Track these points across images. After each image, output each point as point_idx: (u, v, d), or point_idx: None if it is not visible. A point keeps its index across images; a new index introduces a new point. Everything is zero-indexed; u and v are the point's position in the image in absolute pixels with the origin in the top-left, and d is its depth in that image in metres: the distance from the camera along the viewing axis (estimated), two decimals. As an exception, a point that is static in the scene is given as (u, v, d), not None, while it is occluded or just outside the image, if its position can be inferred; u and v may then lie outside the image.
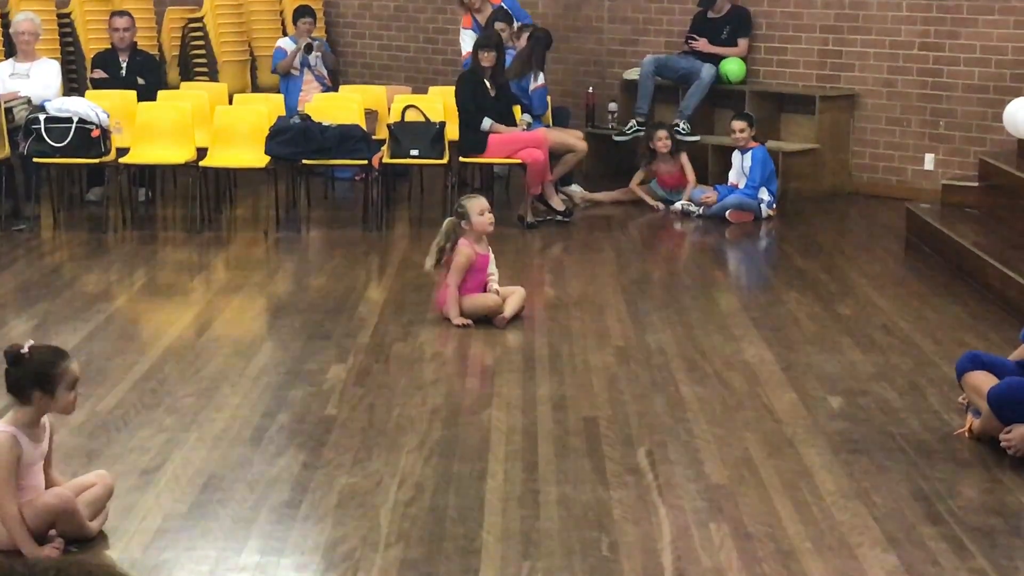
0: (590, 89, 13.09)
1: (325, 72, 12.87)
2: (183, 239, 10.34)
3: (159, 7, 13.85)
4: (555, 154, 11.05)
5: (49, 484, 4.92)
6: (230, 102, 11.74)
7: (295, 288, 8.99)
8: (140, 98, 11.22)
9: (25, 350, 4.83)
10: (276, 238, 10.36)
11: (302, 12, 12.81)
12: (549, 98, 11.85)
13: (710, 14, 12.42)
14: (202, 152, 10.73)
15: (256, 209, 11.39)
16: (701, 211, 11.09)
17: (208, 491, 5.37)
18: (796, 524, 5.08)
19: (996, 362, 6.07)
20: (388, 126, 10.98)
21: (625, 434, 6.04)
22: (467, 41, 11.97)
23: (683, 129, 12.02)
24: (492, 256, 8.04)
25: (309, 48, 12.58)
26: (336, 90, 12.64)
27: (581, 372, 6.97)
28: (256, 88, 13.67)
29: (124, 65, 11.80)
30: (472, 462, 5.68)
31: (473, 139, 10.80)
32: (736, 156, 11.24)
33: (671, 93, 12.52)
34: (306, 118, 10.75)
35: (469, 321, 7.76)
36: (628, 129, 12.40)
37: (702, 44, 12.37)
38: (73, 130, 10.36)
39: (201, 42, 13.78)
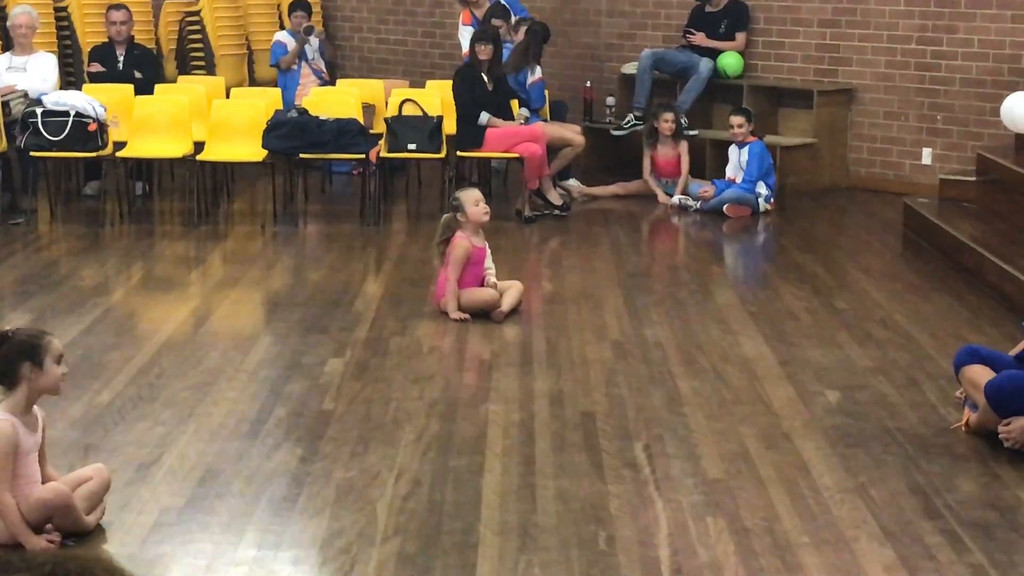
0: (588, 83, 13.08)
1: (323, 66, 12.86)
2: (180, 233, 10.34)
3: (156, 0, 13.83)
4: (553, 148, 11.05)
5: (44, 479, 4.92)
6: (227, 96, 11.73)
7: (292, 282, 8.99)
8: (137, 92, 11.21)
9: (7, 331, 4.87)
10: (273, 232, 10.36)
11: (296, 6, 12.80)
12: (547, 92, 11.84)
13: (708, 8, 12.42)
14: (199, 146, 10.73)
15: (253, 203, 11.38)
16: (699, 205, 11.09)
17: (205, 485, 5.37)
18: (793, 518, 5.08)
19: (994, 356, 6.07)
20: (386, 120, 10.97)
21: (622, 428, 6.05)
22: (466, 37, 11.95)
23: (681, 123, 12.01)
24: (489, 250, 8.04)
25: (309, 30, 12.56)
26: (333, 84, 12.64)
27: (578, 366, 6.97)
28: (253, 82, 13.67)
29: (121, 59, 11.80)
30: (469, 456, 5.68)
31: (471, 133, 10.79)
32: (733, 150, 11.24)
33: (669, 87, 12.52)
34: (303, 112, 10.74)
35: (466, 315, 7.76)
36: (626, 123, 12.40)
37: (700, 38, 12.37)
38: (70, 124, 10.35)
39: (198, 36, 13.77)
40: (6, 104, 10.63)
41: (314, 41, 12.74)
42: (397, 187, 11.78)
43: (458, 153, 11.01)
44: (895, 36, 11.79)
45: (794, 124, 12.25)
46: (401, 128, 10.81)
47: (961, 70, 11.44)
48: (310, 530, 4.99)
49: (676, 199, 11.28)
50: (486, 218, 7.97)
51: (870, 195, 11.80)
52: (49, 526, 4.85)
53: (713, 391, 6.59)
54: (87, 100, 10.51)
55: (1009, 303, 8.06)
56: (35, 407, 4.91)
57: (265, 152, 10.56)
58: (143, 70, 11.77)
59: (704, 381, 6.74)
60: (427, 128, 10.78)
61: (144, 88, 11.34)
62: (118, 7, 11.94)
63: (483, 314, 7.79)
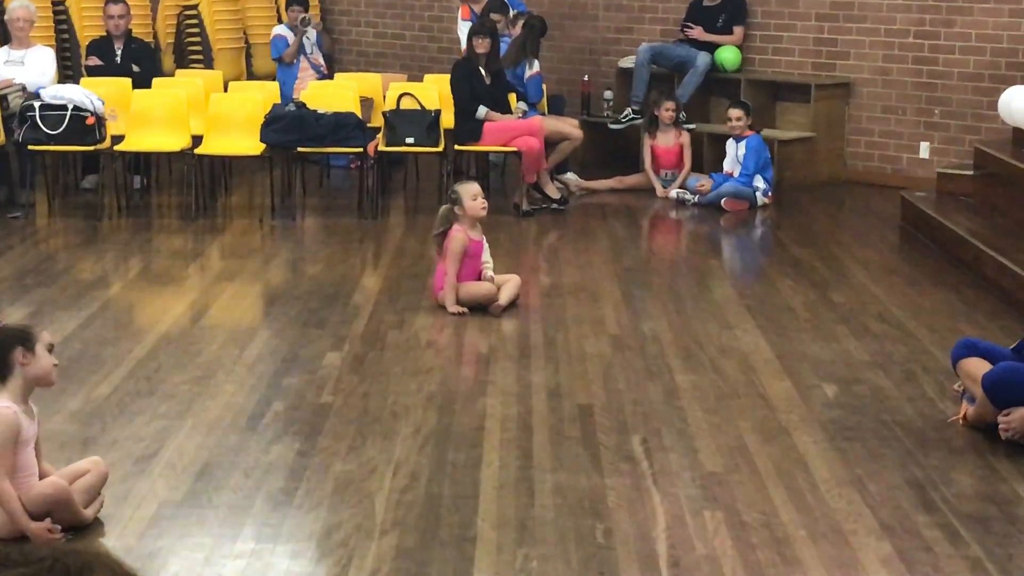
0: (585, 77, 13.08)
1: (321, 59, 12.85)
2: (178, 227, 10.34)
3: (154, -6, 13.83)
4: (550, 142, 11.05)
5: (40, 474, 4.92)
6: (225, 89, 11.72)
7: (290, 276, 8.99)
8: (135, 85, 11.20)
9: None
10: (271, 226, 10.35)
11: (293, 0, 12.76)
12: (545, 86, 11.84)
13: (706, 2, 12.41)
14: (197, 140, 10.73)
15: (251, 197, 11.38)
16: (696, 199, 11.09)
17: (203, 478, 5.37)
18: (790, 512, 5.09)
19: (991, 349, 6.08)
20: (383, 114, 10.97)
21: (620, 422, 6.05)
22: (465, 33, 11.94)
23: (680, 118, 12.01)
24: (486, 244, 8.04)
25: (306, 21, 12.55)
26: (331, 78, 12.63)
27: (576, 360, 6.97)
28: (251, 76, 13.66)
29: (119, 52, 11.78)
30: (467, 450, 5.69)
31: (468, 127, 10.79)
32: (731, 144, 11.24)
33: (666, 81, 12.51)
34: (301, 106, 10.74)
35: (464, 309, 7.76)
36: (623, 117, 12.40)
37: (698, 32, 12.36)
38: (68, 117, 10.34)
39: (196, 29, 13.75)
40: (4, 98, 10.62)
41: (312, 34, 12.72)
42: (395, 181, 11.78)
43: (456, 147, 11.01)
44: (893, 30, 11.79)
45: (792, 118, 12.25)
46: (399, 122, 10.81)
47: (959, 64, 11.44)
48: (308, 523, 4.99)
49: (674, 193, 11.28)
50: (483, 213, 7.96)
51: (868, 189, 11.80)
52: (48, 520, 4.85)
53: (710, 385, 6.59)
54: (85, 94, 10.50)
55: (1006, 296, 8.07)
56: (29, 401, 4.92)
57: (263, 146, 10.56)
58: (141, 64, 11.76)
59: (702, 375, 6.74)
60: (425, 122, 10.78)
61: (142, 82, 11.33)
62: (116, 1, 11.92)
63: (481, 308, 7.80)
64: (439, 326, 7.61)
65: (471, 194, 7.89)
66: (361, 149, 10.58)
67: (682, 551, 4.78)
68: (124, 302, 8.30)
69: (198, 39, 13.74)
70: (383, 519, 5.00)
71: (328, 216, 10.83)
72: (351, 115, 10.67)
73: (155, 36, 13.56)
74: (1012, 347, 6.13)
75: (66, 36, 13.06)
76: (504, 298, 7.82)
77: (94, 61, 11.75)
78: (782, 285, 8.59)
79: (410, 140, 10.77)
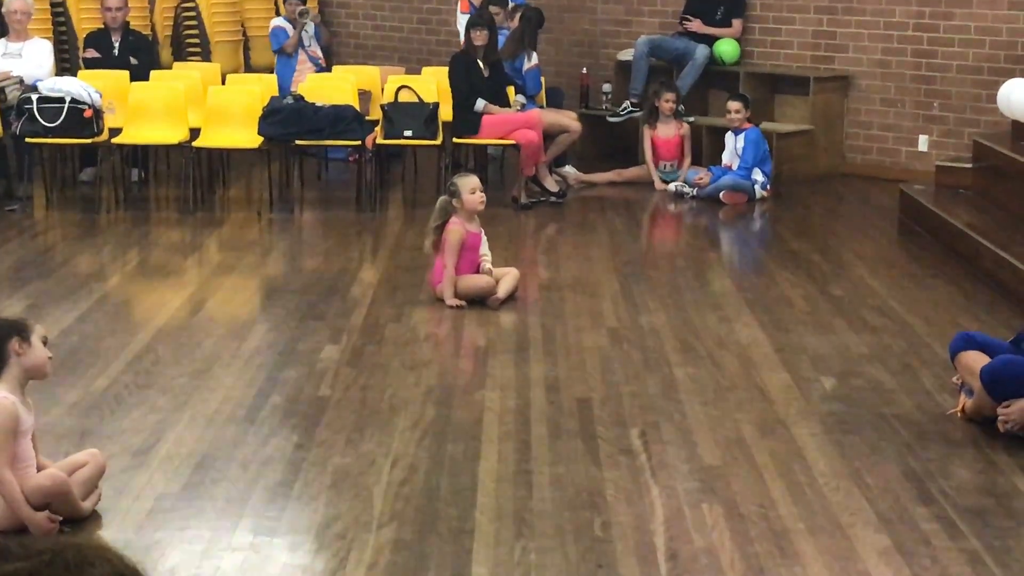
0: (584, 70, 13.07)
1: (319, 52, 12.83)
2: (176, 219, 10.33)
3: (151, -13, 13.81)
4: (549, 135, 11.04)
5: (37, 468, 4.92)
6: (223, 82, 11.71)
7: (288, 269, 8.98)
8: (133, 78, 11.19)
9: None
10: (269, 219, 10.35)
11: None
12: (543, 79, 11.83)
13: (704, -5, 12.41)
14: (195, 132, 10.71)
15: (249, 190, 11.37)
16: (695, 192, 11.08)
17: (201, 471, 5.37)
18: (789, 504, 5.09)
19: (989, 343, 6.08)
20: (382, 107, 10.96)
21: (618, 415, 6.05)
22: (464, 26, 11.94)
23: (678, 111, 12.00)
24: (484, 237, 8.03)
25: (304, 15, 12.53)
26: (329, 70, 12.61)
27: (574, 353, 6.97)
28: (249, 68, 13.65)
29: (117, 45, 11.77)
30: (465, 443, 5.69)
31: (467, 120, 10.78)
32: (730, 137, 11.23)
33: (665, 74, 12.49)
34: (299, 98, 10.72)
35: (463, 302, 7.75)
36: (622, 110, 12.38)
37: (696, 25, 12.35)
38: (66, 110, 10.33)
39: (194, 22, 13.74)
40: (1, 90, 10.61)
41: (310, 27, 12.71)
42: (393, 174, 11.77)
43: (454, 140, 11.00)
44: (891, 23, 11.78)
45: (790, 111, 12.24)
46: (397, 115, 10.80)
47: (958, 57, 11.43)
48: (306, 516, 4.99)
49: (672, 186, 11.28)
50: (481, 207, 7.96)
51: (866, 182, 11.79)
52: (46, 512, 4.86)
53: (709, 378, 6.59)
54: (82, 86, 10.49)
55: (1005, 290, 8.07)
56: (25, 393, 4.92)
57: (261, 139, 10.55)
58: (138, 56, 11.75)
59: (700, 368, 6.74)
60: (423, 115, 10.77)
61: (139, 74, 11.32)
62: (114, -7, 11.92)
63: (479, 301, 7.79)
64: (437, 319, 7.61)
65: (470, 187, 7.88)
66: (359, 142, 10.57)
67: (680, 544, 4.78)
68: (122, 295, 8.29)
69: (196, 32, 13.73)
70: (381, 512, 5.00)
71: (326, 209, 10.82)
72: (349, 108, 10.66)
73: (153, 29, 13.54)
74: (1010, 340, 6.13)
75: (64, 28, 13.05)
76: (502, 291, 7.82)
77: (92, 54, 11.74)
78: (780, 278, 8.58)
79: (408, 133, 10.76)
